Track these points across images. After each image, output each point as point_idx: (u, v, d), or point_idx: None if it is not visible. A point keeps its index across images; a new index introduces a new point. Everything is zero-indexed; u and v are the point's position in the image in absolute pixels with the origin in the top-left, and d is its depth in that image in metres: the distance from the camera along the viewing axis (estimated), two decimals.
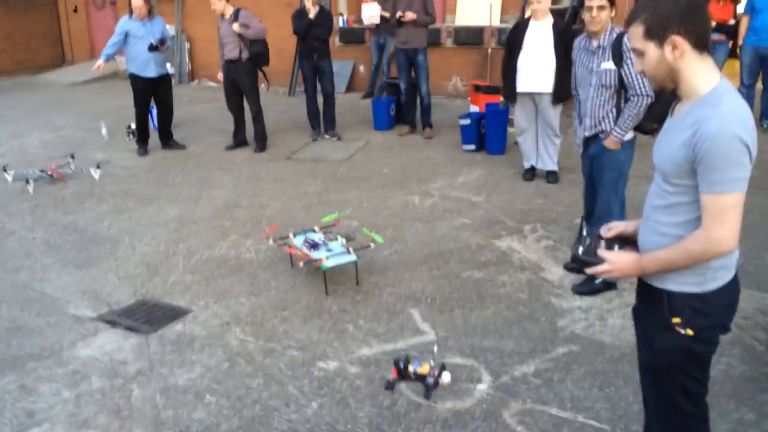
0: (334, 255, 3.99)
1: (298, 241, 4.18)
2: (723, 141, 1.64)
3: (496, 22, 10.22)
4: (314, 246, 4.13)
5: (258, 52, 7.20)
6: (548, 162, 6.04)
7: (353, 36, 11.15)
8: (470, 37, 10.15)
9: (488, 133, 6.99)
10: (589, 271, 1.95)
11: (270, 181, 6.31)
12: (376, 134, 8.10)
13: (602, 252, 1.93)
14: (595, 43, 3.81)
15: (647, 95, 3.56)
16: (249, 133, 7.53)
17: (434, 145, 7.50)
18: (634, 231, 2.00)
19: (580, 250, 1.99)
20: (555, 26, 5.74)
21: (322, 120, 8.00)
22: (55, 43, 14.81)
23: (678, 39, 1.73)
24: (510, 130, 7.07)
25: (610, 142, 3.75)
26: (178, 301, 3.96)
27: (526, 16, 6.22)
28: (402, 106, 8.11)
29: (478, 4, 10.52)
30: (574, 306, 3.73)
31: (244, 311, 3.81)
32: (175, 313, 3.82)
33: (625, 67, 3.63)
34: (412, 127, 8.02)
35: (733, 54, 8.30)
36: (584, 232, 2.09)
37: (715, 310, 1.84)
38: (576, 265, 2.08)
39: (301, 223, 5.14)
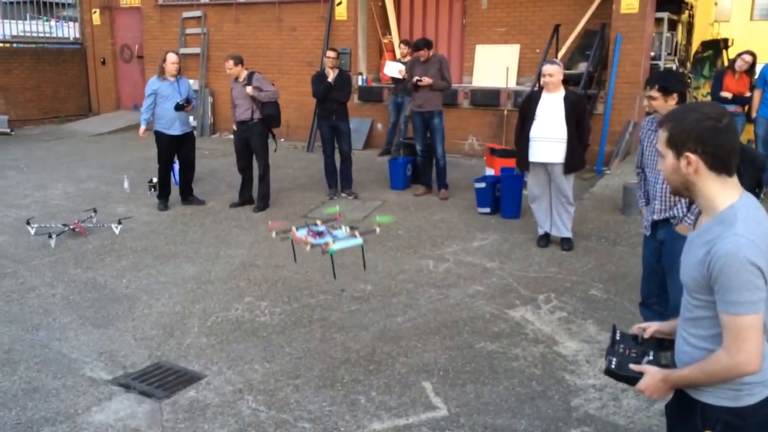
0: (340, 240, 3.96)
1: (301, 233, 4.15)
2: (734, 263, 1.65)
3: (512, 85, 10.43)
4: (319, 234, 4.11)
5: (270, 114, 7.38)
6: (563, 229, 6.08)
7: (372, 94, 11.41)
8: (486, 99, 10.34)
9: (503, 197, 7.06)
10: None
11: (286, 241, 6.37)
12: (392, 194, 8.21)
13: (635, 367, 1.93)
14: None
15: None
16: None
17: (449, 206, 7.58)
18: (670, 329, 2.00)
19: (614, 363, 1.98)
20: (567, 98, 5.85)
21: (339, 179, 8.14)
22: (83, 93, 15.27)
23: (692, 157, 1.76)
24: (525, 193, 7.13)
25: (683, 229, 3.66)
26: (193, 366, 3.99)
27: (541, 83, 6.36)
28: (418, 166, 8.23)
29: (494, 67, 10.76)
30: (588, 384, 3.71)
31: (257, 378, 3.83)
32: (189, 378, 3.85)
33: None
34: (428, 188, 8.13)
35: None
36: (617, 336, 2.09)
37: (750, 426, 1.79)
38: (611, 378, 2.07)
39: (317, 286, 5.20)
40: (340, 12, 11.50)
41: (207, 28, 12.98)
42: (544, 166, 5.96)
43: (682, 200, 3.71)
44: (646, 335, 2.03)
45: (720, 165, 1.76)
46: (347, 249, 5.97)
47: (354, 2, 11.36)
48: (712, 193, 1.78)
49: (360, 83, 11.45)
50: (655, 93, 3.69)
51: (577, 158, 5.90)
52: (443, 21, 11.73)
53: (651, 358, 1.98)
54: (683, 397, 1.90)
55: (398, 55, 10.79)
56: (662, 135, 1.84)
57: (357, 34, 11.52)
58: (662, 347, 2.00)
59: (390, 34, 11.92)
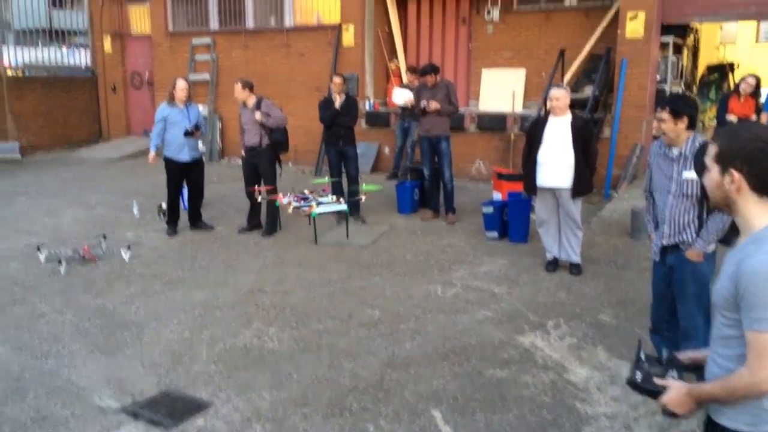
0: (324, 204, 3.94)
1: (287, 199, 4.10)
2: (761, 280, 1.66)
3: (519, 109, 10.48)
4: (304, 199, 4.09)
5: (278, 140, 7.43)
6: (571, 254, 6.06)
7: (379, 119, 11.49)
8: (493, 123, 10.39)
9: (511, 222, 7.07)
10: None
11: (294, 266, 6.40)
12: (400, 218, 8.22)
13: (659, 381, 1.94)
14: (675, 151, 3.75)
15: None
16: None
17: (457, 231, 7.58)
18: (702, 358, 2.00)
19: (639, 376, 2.00)
20: (574, 122, 5.87)
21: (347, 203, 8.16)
22: (94, 120, 15.44)
23: (736, 175, 1.78)
24: (533, 217, 7.13)
25: (693, 255, 3.68)
26: (201, 393, 3.98)
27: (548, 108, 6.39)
28: (425, 190, 8.24)
29: (501, 91, 10.83)
30: (600, 412, 3.67)
31: (265, 406, 3.81)
32: (197, 407, 3.83)
33: None
34: (436, 212, 8.14)
35: None
36: (641, 355, 2.10)
37: None
38: (634, 390, 2.08)
39: (325, 312, 5.20)
40: (348, 38, 11.64)
41: (216, 55, 13.15)
42: (552, 190, 5.96)
43: (692, 225, 3.71)
44: (681, 357, 2.03)
45: (762, 187, 1.78)
46: (355, 273, 5.99)
47: (361, 29, 11.50)
48: (750, 213, 1.80)
49: (367, 108, 11.54)
50: (665, 115, 3.70)
51: (584, 182, 5.91)
52: (449, 46, 11.84)
53: (675, 375, 1.99)
54: (708, 422, 1.90)
55: (405, 81, 10.87)
56: (711, 149, 1.87)
57: (364, 60, 11.64)
58: (686, 369, 2.00)
59: (397, 59, 12.03)
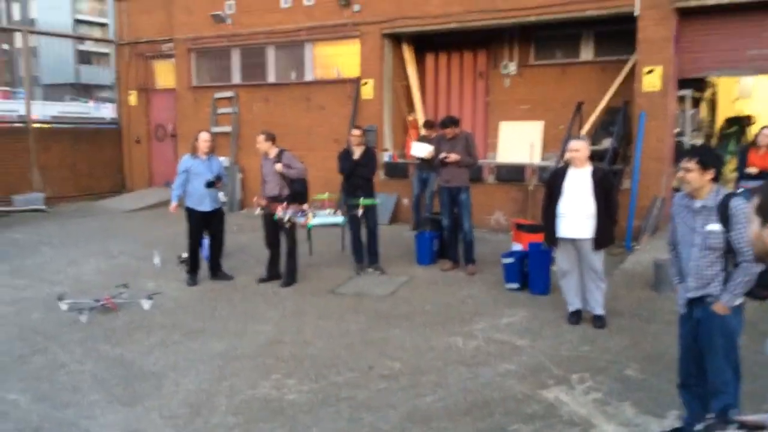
0: (321, 216, 3.92)
1: (285, 214, 4.07)
2: None
3: (537, 161, 10.54)
4: (302, 212, 4.06)
5: (297, 191, 7.51)
6: (594, 306, 5.98)
7: (397, 170, 11.60)
8: (511, 174, 10.44)
9: (531, 273, 7.01)
10: None
11: (313, 317, 6.37)
12: (419, 269, 8.20)
13: None
14: (698, 204, 3.71)
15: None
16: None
17: (477, 282, 7.53)
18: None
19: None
20: (594, 173, 5.88)
21: (366, 254, 8.17)
22: (117, 171, 15.76)
23: None
24: (554, 269, 7.07)
25: (719, 308, 3.61)
26: None
27: (565, 158, 6.41)
28: (445, 241, 8.23)
29: (518, 143, 10.92)
30: None
31: None
32: None
33: (735, 232, 3.51)
34: (455, 263, 8.11)
35: None
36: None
37: None
38: None
39: (344, 363, 5.14)
40: (367, 91, 11.87)
41: (238, 108, 13.45)
42: (573, 241, 5.93)
43: (718, 278, 3.65)
44: (743, 418, 1.97)
45: None
46: (374, 324, 5.94)
47: (380, 82, 11.74)
48: None
49: (386, 159, 11.67)
50: (692, 165, 3.69)
51: (606, 234, 5.88)
52: (467, 99, 12.03)
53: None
54: None
55: (422, 135, 11.00)
56: (755, 200, 1.90)
57: (383, 112, 11.84)
58: (747, 428, 1.93)
59: (414, 112, 12.22)
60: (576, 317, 6.07)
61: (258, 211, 7.52)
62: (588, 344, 5.52)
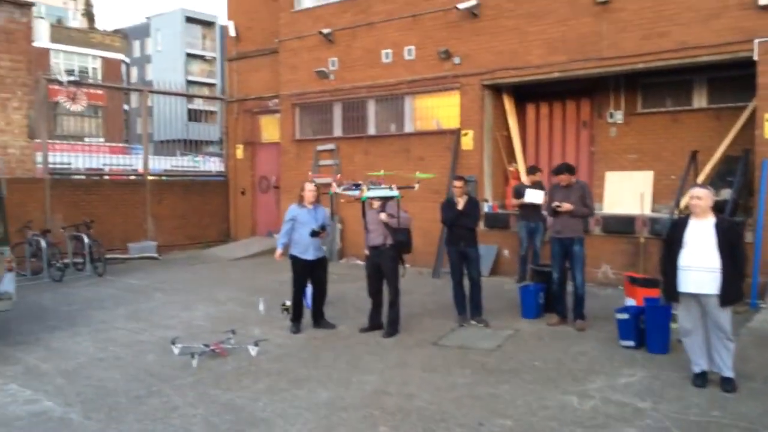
0: (376, 189, 3.80)
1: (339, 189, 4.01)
2: None
3: (647, 211, 10.07)
4: (356, 186, 3.98)
5: (401, 241, 7.49)
6: (722, 368, 5.50)
7: (498, 221, 11.41)
8: (620, 226, 10.00)
9: (649, 330, 6.58)
10: None
11: (417, 368, 6.23)
12: (524, 323, 7.91)
13: None
14: None
15: None
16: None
17: (587, 338, 7.16)
18: None
19: None
20: (719, 224, 5.49)
21: (469, 306, 7.98)
22: (223, 221, 16.46)
23: None
24: (673, 326, 6.62)
25: None
26: None
27: (681, 206, 6.03)
28: (553, 294, 7.91)
29: (627, 194, 10.51)
30: None
31: None
32: None
33: None
34: (563, 318, 7.77)
35: None
36: None
37: None
38: None
39: (453, 418, 4.96)
40: (466, 142, 11.86)
41: (339, 159, 13.78)
42: (697, 297, 5.54)
43: None
44: None
45: None
46: (481, 379, 5.74)
47: (479, 133, 11.71)
48: None
49: (486, 210, 11.52)
50: None
51: (734, 289, 5.44)
52: (570, 148, 11.78)
53: None
54: None
55: (525, 182, 10.81)
56: None
57: (482, 163, 11.77)
58: None
59: (515, 162, 12.07)
60: (702, 379, 5.61)
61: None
62: (718, 409, 5.06)
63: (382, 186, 4.11)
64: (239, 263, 13.55)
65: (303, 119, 14.67)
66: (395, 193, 3.72)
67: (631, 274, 8.30)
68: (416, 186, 3.84)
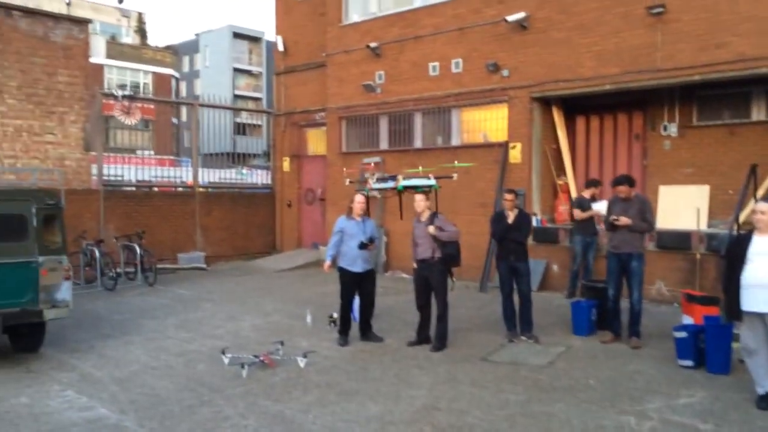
0: (411, 179, 3.72)
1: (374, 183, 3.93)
2: None
3: (703, 227, 9.76)
4: (392, 178, 3.90)
5: (450, 254, 7.41)
6: None
7: (547, 235, 11.21)
8: (675, 242, 9.71)
9: (709, 350, 6.34)
10: None
11: (467, 384, 6.13)
12: (576, 339, 7.72)
13: None
14: None
15: None
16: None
17: (643, 356, 6.94)
18: None
19: None
20: None
21: (518, 321, 7.84)
22: (269, 233, 16.63)
23: None
24: (735, 345, 6.37)
25: None
26: None
27: (741, 221, 5.81)
28: (608, 311, 7.68)
29: (681, 209, 10.20)
30: None
31: None
32: None
33: None
34: (617, 335, 7.54)
35: None
36: None
37: None
38: None
39: None
40: (515, 155, 11.72)
41: (385, 173, 13.76)
42: (761, 316, 5.31)
43: None
44: None
45: None
46: (534, 397, 5.61)
47: (528, 146, 11.56)
48: None
49: (535, 224, 11.32)
50: None
51: None
52: (621, 162, 11.52)
53: None
54: None
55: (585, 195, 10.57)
56: None
57: (531, 176, 11.60)
58: None
59: (565, 175, 11.87)
60: (766, 402, 5.36)
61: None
62: None
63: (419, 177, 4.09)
64: (284, 275, 13.64)
65: (349, 132, 14.74)
66: (432, 182, 3.67)
67: (688, 291, 8.03)
68: (455, 176, 3.78)
